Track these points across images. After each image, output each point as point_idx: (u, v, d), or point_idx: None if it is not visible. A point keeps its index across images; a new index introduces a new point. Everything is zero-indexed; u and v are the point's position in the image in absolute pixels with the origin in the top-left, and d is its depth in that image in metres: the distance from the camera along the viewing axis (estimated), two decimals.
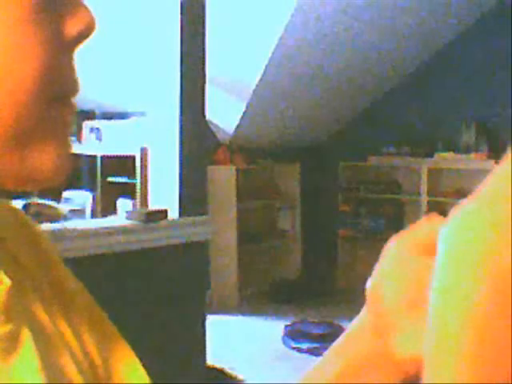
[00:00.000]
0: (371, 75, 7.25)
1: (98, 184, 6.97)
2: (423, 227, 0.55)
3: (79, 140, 7.23)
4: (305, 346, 5.63)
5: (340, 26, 6.30)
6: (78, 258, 3.16)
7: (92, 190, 6.90)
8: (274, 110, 7.05)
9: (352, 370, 0.58)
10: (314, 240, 8.03)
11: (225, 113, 6.81)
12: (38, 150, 0.48)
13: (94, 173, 7.06)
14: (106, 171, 6.97)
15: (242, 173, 7.33)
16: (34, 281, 0.57)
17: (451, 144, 7.12)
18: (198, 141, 3.72)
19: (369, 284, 0.56)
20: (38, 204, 4.41)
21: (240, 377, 4.73)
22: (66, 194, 6.52)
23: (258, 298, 7.36)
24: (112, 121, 7.09)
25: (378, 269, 0.55)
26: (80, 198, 6.47)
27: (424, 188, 7.08)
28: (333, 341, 0.62)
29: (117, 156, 6.82)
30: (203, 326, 3.79)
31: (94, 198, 6.78)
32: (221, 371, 4.58)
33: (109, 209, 6.32)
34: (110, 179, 6.93)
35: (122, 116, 7.04)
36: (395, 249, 0.55)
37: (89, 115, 7.24)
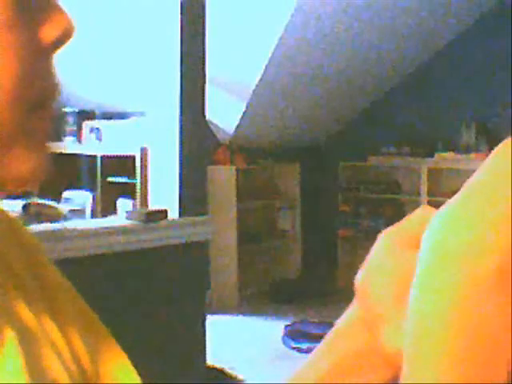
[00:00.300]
0: (371, 75, 7.25)
1: (98, 184, 6.97)
2: (413, 220, 0.55)
3: (79, 140, 7.23)
4: (305, 345, 5.63)
5: (340, 26, 6.30)
6: (78, 258, 3.17)
7: (92, 190, 6.90)
8: (273, 110, 7.05)
9: (343, 365, 0.58)
10: (314, 240, 8.03)
11: (225, 113, 6.81)
12: (17, 154, 0.48)
13: (94, 173, 7.06)
14: (106, 171, 6.97)
15: (242, 173, 7.33)
16: (19, 281, 0.56)
17: (451, 144, 7.12)
18: (197, 141, 3.72)
19: (358, 278, 0.56)
20: (38, 204, 4.41)
21: (240, 377, 4.72)
22: (65, 193, 6.52)
23: (258, 298, 7.36)
24: (112, 121, 7.09)
25: (367, 263, 0.55)
26: (80, 198, 6.47)
27: (424, 188, 7.08)
28: None
29: (117, 156, 6.82)
30: (203, 326, 3.79)
31: (94, 198, 6.78)
32: (221, 371, 4.58)
33: (109, 209, 6.32)
34: (110, 179, 6.93)
35: (122, 116, 7.04)
36: (384, 242, 0.55)
37: (89, 115, 7.24)
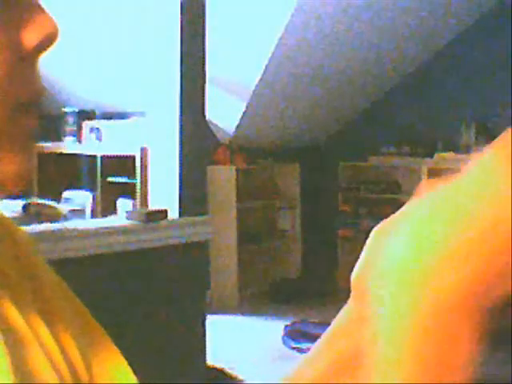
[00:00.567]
0: (371, 75, 7.25)
1: (98, 184, 6.97)
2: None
3: (79, 140, 7.23)
4: (305, 345, 5.63)
5: (340, 26, 6.30)
6: (78, 258, 3.17)
7: (92, 189, 6.90)
8: (273, 110, 7.05)
9: (341, 363, 0.58)
10: (314, 240, 8.03)
11: (225, 113, 6.81)
12: (2, 157, 0.48)
13: (94, 173, 7.06)
14: (106, 171, 6.97)
15: (242, 173, 7.33)
16: (7, 280, 0.56)
17: (451, 144, 7.12)
18: (198, 141, 3.72)
19: (353, 275, 0.56)
20: (38, 204, 4.41)
21: (240, 377, 4.72)
22: (65, 193, 6.52)
23: (258, 298, 7.36)
24: (112, 121, 7.09)
25: (362, 258, 0.56)
26: (80, 198, 6.47)
27: None
28: None
29: (117, 156, 6.82)
30: (203, 326, 3.79)
31: (94, 198, 6.78)
32: (221, 371, 4.58)
33: (109, 209, 6.32)
34: (110, 179, 6.93)
35: (122, 116, 7.04)
36: (376, 237, 0.56)
37: (89, 115, 7.24)
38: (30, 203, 4.31)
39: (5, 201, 3.97)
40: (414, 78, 7.47)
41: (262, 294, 7.41)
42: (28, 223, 3.43)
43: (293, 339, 5.82)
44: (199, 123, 3.74)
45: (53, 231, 3.18)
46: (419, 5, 6.33)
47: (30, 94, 0.49)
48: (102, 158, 6.97)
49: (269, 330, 6.27)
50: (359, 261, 0.56)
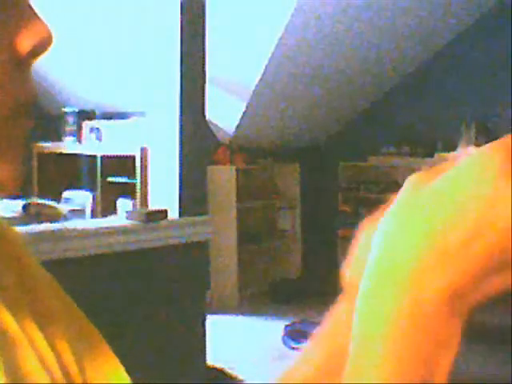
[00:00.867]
0: (371, 75, 7.25)
1: (98, 184, 6.97)
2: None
3: (79, 140, 7.23)
4: (305, 346, 5.62)
5: (340, 26, 6.30)
6: (78, 258, 3.17)
7: (92, 189, 6.90)
8: (273, 110, 7.05)
9: (335, 358, 0.58)
10: (314, 240, 8.03)
11: (225, 113, 6.81)
12: None
13: (94, 173, 7.06)
14: (106, 171, 6.97)
15: (242, 173, 7.33)
16: (0, 283, 0.56)
17: (451, 144, 7.12)
18: (198, 141, 3.72)
19: (344, 271, 0.56)
20: (38, 204, 4.41)
21: (240, 377, 4.72)
22: (65, 193, 6.52)
23: (258, 297, 7.36)
24: (112, 121, 7.09)
25: (352, 255, 0.56)
26: (80, 198, 6.47)
27: None
28: None
29: (117, 156, 6.82)
30: (203, 326, 3.79)
31: (94, 198, 6.78)
32: (221, 371, 4.58)
33: (109, 209, 6.32)
34: (110, 179, 6.93)
35: (122, 116, 7.04)
36: (365, 233, 0.56)
37: (89, 115, 7.24)
38: (30, 203, 4.30)
39: (5, 201, 3.97)
40: (413, 78, 7.47)
41: (261, 294, 7.41)
42: (28, 223, 3.43)
43: (293, 339, 5.82)
44: (199, 123, 3.74)
45: (53, 231, 3.18)
46: (419, 5, 6.33)
47: (24, 98, 0.49)
48: (102, 157, 6.97)
49: (269, 329, 6.27)
50: (350, 257, 0.56)
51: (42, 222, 3.64)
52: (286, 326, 6.06)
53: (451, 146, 7.13)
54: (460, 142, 7.05)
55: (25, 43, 0.48)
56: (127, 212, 3.67)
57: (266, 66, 6.35)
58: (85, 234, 3.26)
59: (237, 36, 6.08)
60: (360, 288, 0.45)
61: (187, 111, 3.63)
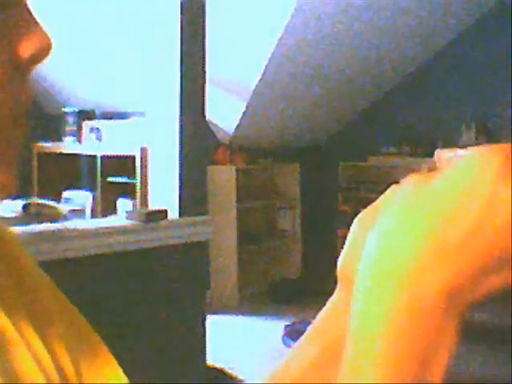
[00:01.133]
0: (371, 75, 7.25)
1: (98, 184, 6.97)
2: (383, 200, 0.56)
3: (79, 140, 7.23)
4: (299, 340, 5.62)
5: (340, 26, 6.30)
6: (78, 258, 3.17)
7: (92, 189, 6.90)
8: (273, 110, 7.05)
9: (331, 350, 0.59)
10: (314, 240, 8.03)
11: (225, 113, 6.81)
12: None
13: (94, 173, 7.06)
14: (106, 171, 6.97)
15: (242, 173, 7.33)
16: None
17: (451, 144, 7.12)
18: (198, 141, 3.72)
19: (339, 263, 0.57)
20: (38, 204, 4.41)
21: (240, 377, 4.72)
22: (65, 193, 6.52)
23: (258, 297, 7.36)
24: (112, 121, 7.09)
25: (346, 247, 0.56)
26: (80, 198, 6.47)
27: None
28: None
29: (117, 156, 6.82)
30: (203, 326, 3.79)
31: (94, 198, 6.78)
32: (221, 371, 4.58)
33: (109, 209, 6.32)
34: (110, 179, 6.93)
35: (122, 116, 7.04)
36: (358, 225, 0.56)
37: (89, 115, 7.24)
38: (30, 203, 4.30)
39: (5, 201, 3.97)
40: (413, 78, 7.47)
41: (261, 294, 7.41)
42: (28, 223, 3.43)
43: (293, 339, 5.82)
44: (199, 123, 3.73)
45: (53, 231, 3.18)
46: (419, 5, 6.33)
47: (22, 100, 0.49)
48: (102, 157, 6.97)
49: (269, 329, 6.27)
50: (344, 249, 0.57)
51: (42, 222, 3.64)
52: (286, 326, 6.05)
53: (451, 146, 7.13)
54: (460, 142, 7.05)
55: (25, 51, 0.48)
56: (127, 212, 3.67)
57: (266, 66, 6.35)
58: (85, 234, 3.26)
59: (237, 36, 6.08)
60: (357, 287, 0.45)
61: (187, 111, 3.63)
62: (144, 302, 3.48)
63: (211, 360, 4.12)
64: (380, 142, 7.56)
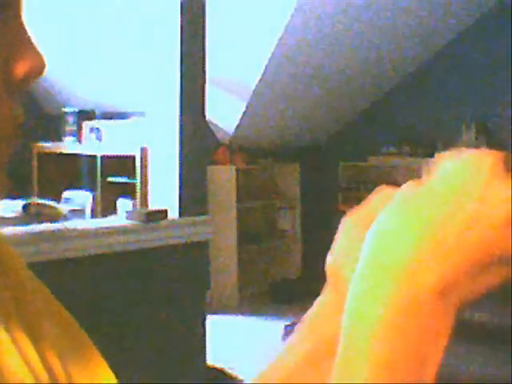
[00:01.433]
0: (371, 75, 7.25)
1: (98, 184, 6.97)
2: (372, 201, 0.56)
3: (79, 140, 7.23)
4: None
5: (340, 26, 6.30)
6: (78, 258, 3.16)
7: (92, 189, 6.90)
8: (273, 110, 7.05)
9: (320, 348, 0.59)
10: (314, 240, 8.02)
11: (225, 113, 6.81)
12: None
13: (94, 173, 7.06)
14: (106, 171, 6.97)
15: (242, 173, 7.33)
16: None
17: (451, 144, 7.11)
18: (198, 141, 3.72)
19: (328, 261, 0.57)
20: (38, 204, 4.40)
21: (240, 377, 4.72)
22: (65, 193, 6.52)
23: (258, 297, 7.36)
24: (112, 121, 7.09)
25: (335, 246, 0.57)
26: (80, 198, 6.47)
27: None
28: None
29: (117, 156, 6.82)
30: (203, 326, 3.79)
31: (94, 198, 6.78)
32: (221, 371, 4.58)
33: (109, 209, 6.32)
34: (110, 179, 6.93)
35: (122, 116, 7.04)
36: (348, 224, 0.57)
37: (89, 115, 7.24)
38: (30, 203, 4.30)
39: (5, 201, 3.97)
40: (413, 78, 7.47)
41: (261, 294, 7.41)
42: (28, 223, 3.43)
43: None
44: (199, 123, 3.74)
45: (53, 231, 3.18)
46: (419, 5, 6.33)
47: (7, 127, 0.50)
48: (102, 157, 6.97)
49: (269, 330, 6.27)
50: (333, 247, 0.57)
51: (42, 222, 3.64)
52: (286, 326, 6.05)
53: (451, 146, 7.12)
54: (460, 141, 7.05)
55: (19, 71, 0.49)
56: (127, 212, 3.67)
57: (266, 66, 6.35)
58: (85, 234, 3.26)
59: (237, 36, 6.08)
60: (352, 285, 0.45)
61: (187, 111, 3.63)
62: (144, 302, 3.48)
63: (211, 360, 4.12)
64: (380, 142, 7.56)
